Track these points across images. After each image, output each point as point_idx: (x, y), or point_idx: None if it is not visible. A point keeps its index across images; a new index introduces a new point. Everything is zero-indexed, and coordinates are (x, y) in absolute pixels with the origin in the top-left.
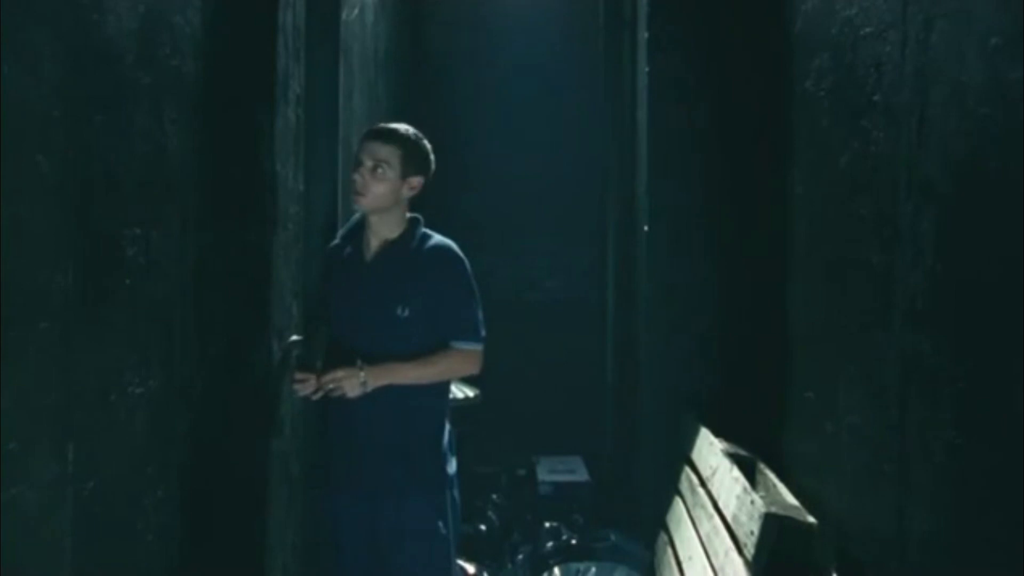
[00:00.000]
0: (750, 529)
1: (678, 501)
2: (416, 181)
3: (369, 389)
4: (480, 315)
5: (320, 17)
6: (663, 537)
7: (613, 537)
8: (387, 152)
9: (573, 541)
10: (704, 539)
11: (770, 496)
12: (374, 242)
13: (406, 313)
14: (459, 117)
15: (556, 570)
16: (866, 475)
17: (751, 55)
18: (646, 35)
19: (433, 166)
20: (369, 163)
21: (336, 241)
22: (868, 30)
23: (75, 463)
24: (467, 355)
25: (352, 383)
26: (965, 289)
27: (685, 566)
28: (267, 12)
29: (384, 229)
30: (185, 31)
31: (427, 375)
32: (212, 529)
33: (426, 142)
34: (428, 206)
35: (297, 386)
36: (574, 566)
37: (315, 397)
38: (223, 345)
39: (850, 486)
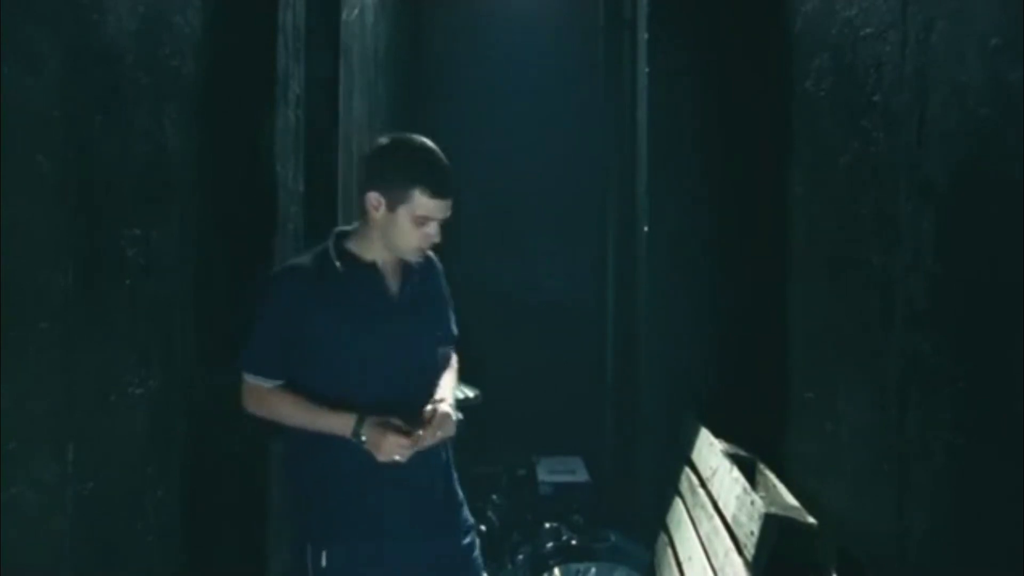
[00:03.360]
0: (750, 529)
1: (678, 501)
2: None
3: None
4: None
5: (320, 17)
6: (663, 537)
7: (613, 537)
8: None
9: (573, 541)
10: (704, 539)
11: (770, 496)
12: (389, 272)
13: (439, 334)
14: (459, 117)
15: (556, 571)
16: (866, 475)
17: (751, 55)
18: (646, 35)
19: None
20: (441, 218)
21: (305, 268)
22: (868, 30)
23: (75, 463)
24: (452, 355)
25: (451, 422)
26: (965, 289)
27: (685, 566)
28: (267, 12)
29: (396, 259)
30: (185, 31)
31: (455, 382)
32: (212, 529)
33: None
34: None
35: (404, 453)
36: (574, 566)
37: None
38: (223, 345)
39: (850, 486)
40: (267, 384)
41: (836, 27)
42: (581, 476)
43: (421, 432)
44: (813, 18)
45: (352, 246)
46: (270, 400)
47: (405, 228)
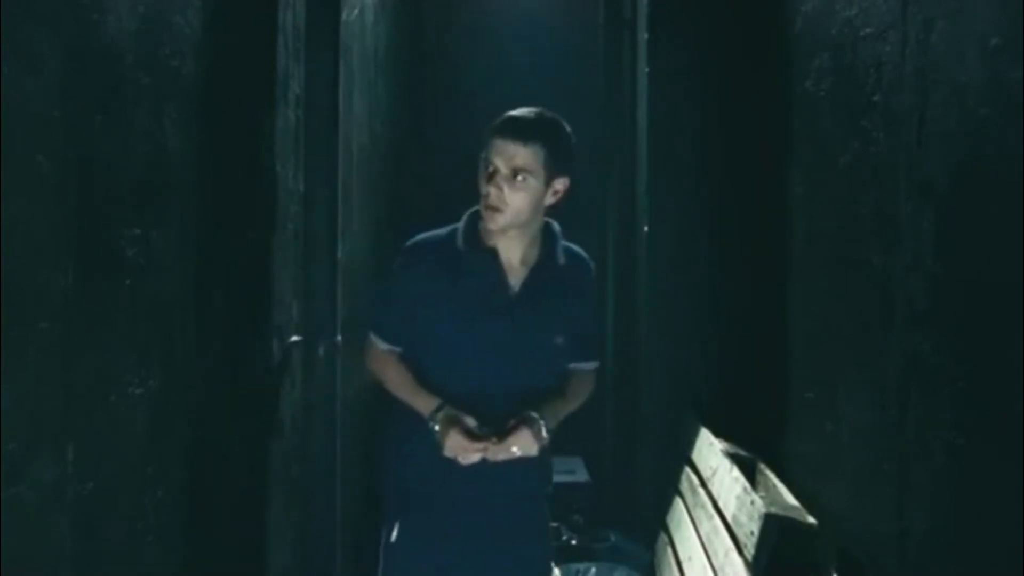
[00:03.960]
0: (750, 529)
1: (678, 501)
2: (562, 184)
3: (547, 442)
4: (599, 328)
5: (320, 17)
6: (663, 537)
7: (613, 537)
8: (529, 156)
9: (573, 541)
10: (704, 539)
11: (770, 496)
12: (514, 261)
13: (560, 341)
14: (458, 117)
15: (556, 570)
16: (866, 475)
17: (751, 55)
18: (646, 35)
19: (574, 158)
20: (505, 170)
21: (437, 243)
22: (868, 30)
23: (75, 463)
24: (590, 376)
25: (540, 439)
26: (965, 289)
27: (685, 566)
28: (267, 12)
29: (522, 247)
30: (185, 31)
31: (573, 407)
32: (212, 529)
33: (567, 125)
34: (430, 207)
35: (468, 456)
36: (574, 566)
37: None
38: (223, 345)
39: (850, 486)
40: (383, 346)
41: (836, 27)
42: (581, 476)
43: (494, 439)
44: (813, 18)
45: (482, 226)
46: (380, 362)
47: (479, 182)
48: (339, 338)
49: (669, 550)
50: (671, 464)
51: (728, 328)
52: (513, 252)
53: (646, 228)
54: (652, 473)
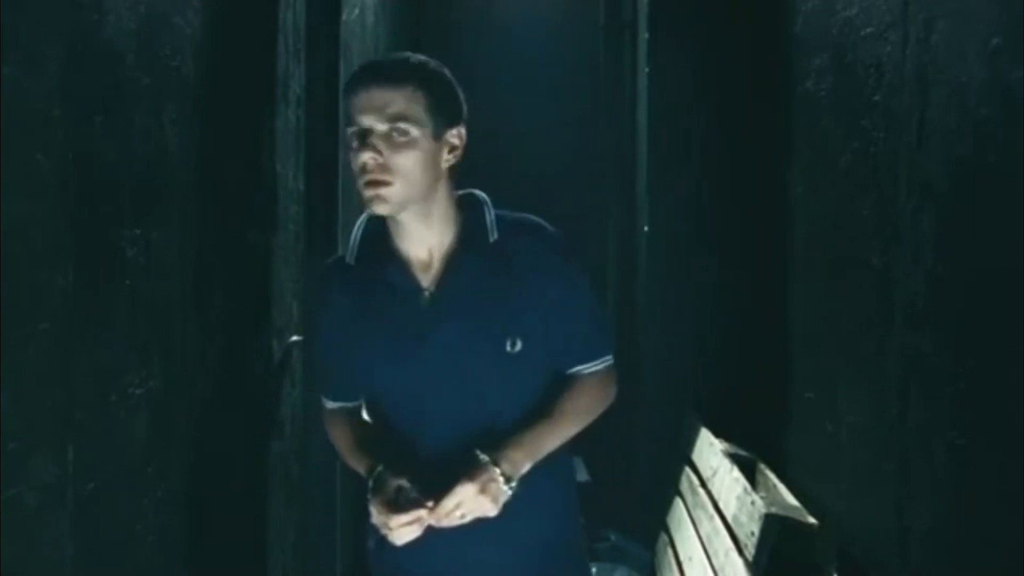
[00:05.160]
0: (750, 530)
1: (678, 502)
2: (457, 135)
3: (515, 489)
4: (600, 311)
5: (320, 17)
6: (663, 538)
7: (613, 537)
8: (407, 101)
9: None
10: (704, 539)
11: (770, 496)
12: (422, 254)
13: (518, 347)
14: None
15: None
16: (866, 475)
17: (751, 55)
18: (646, 35)
19: (465, 104)
20: (381, 126)
21: (340, 267)
22: (868, 30)
23: (75, 463)
24: (603, 379)
25: (495, 493)
26: (965, 289)
27: (685, 567)
28: (267, 12)
29: (432, 230)
30: (185, 31)
31: (570, 431)
32: (212, 529)
33: (446, 69)
34: None
35: (399, 533)
36: None
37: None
38: (223, 345)
39: (850, 486)
40: (328, 405)
41: (836, 27)
42: (581, 476)
43: (430, 506)
44: (813, 18)
45: (377, 231)
46: (327, 424)
47: (351, 160)
48: None
49: (669, 550)
50: (671, 464)
51: (728, 328)
52: (417, 243)
53: (646, 228)
54: (652, 473)
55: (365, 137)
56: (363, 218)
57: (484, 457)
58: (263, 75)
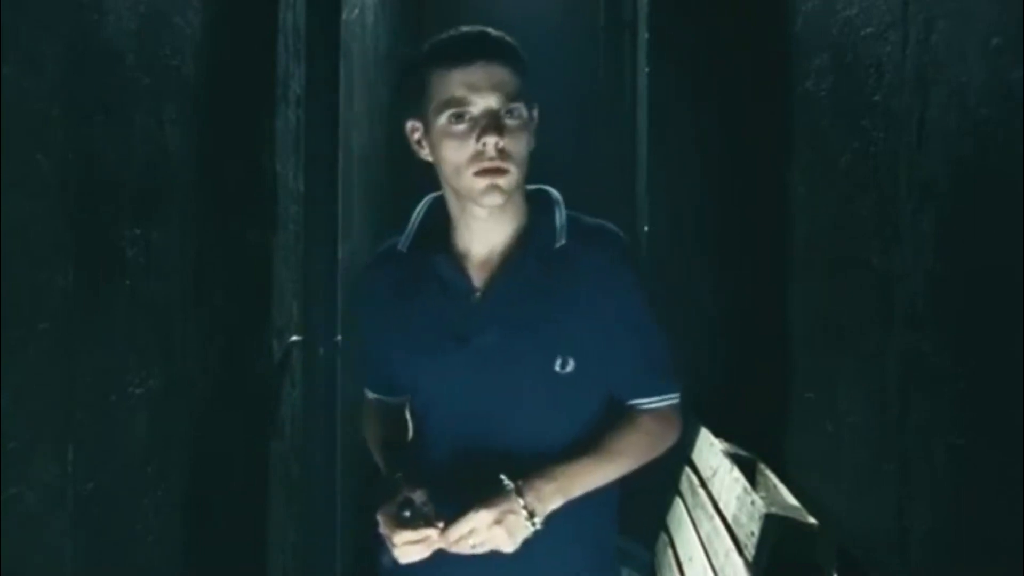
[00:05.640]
0: (751, 530)
1: (678, 502)
2: (536, 116)
3: (539, 527)
4: (664, 340)
5: (320, 17)
6: (663, 538)
7: None
8: (517, 77)
9: None
10: (704, 540)
11: (770, 496)
12: (480, 251)
13: (569, 367)
14: None
15: None
16: (866, 475)
17: (751, 55)
18: (646, 35)
19: None
20: (497, 105)
21: (393, 253)
22: (869, 30)
23: (75, 463)
24: (665, 419)
25: (514, 526)
26: (965, 289)
27: (685, 567)
28: (267, 12)
29: (500, 227)
30: (185, 31)
31: (615, 472)
32: (212, 529)
33: None
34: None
35: (404, 551)
36: None
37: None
38: (223, 345)
39: (850, 486)
40: (368, 395)
41: (836, 27)
42: None
43: (440, 526)
44: (813, 18)
45: (437, 218)
46: (364, 414)
47: (446, 148)
48: (339, 338)
49: (669, 550)
50: (671, 464)
51: (728, 328)
52: (480, 238)
53: (646, 228)
54: (652, 473)
55: (480, 119)
56: (423, 203)
57: (508, 484)
58: (263, 75)
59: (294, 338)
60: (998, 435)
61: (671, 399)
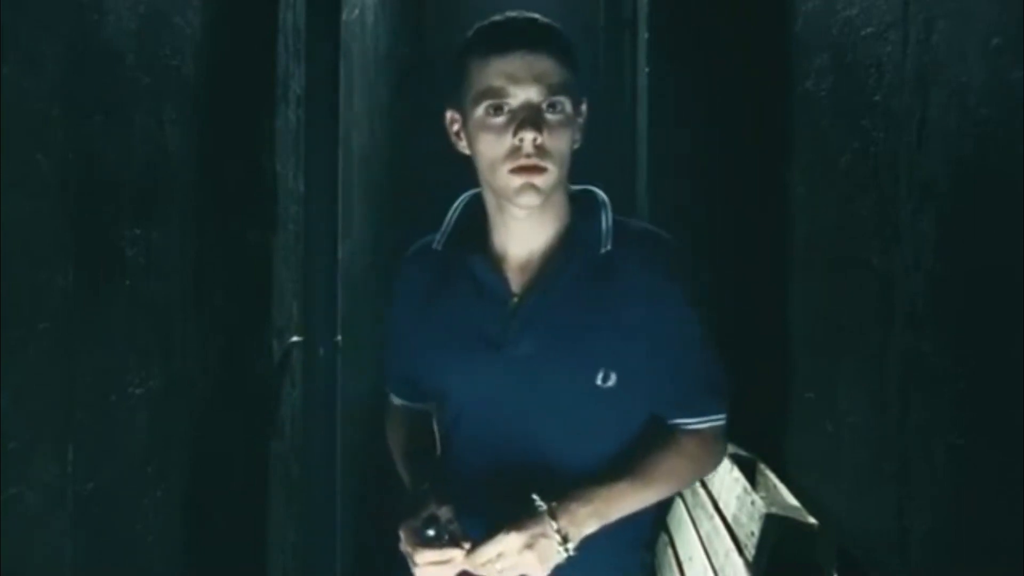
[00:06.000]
0: (750, 530)
1: (678, 501)
2: (583, 110)
3: (572, 553)
4: (715, 358)
5: (320, 17)
6: (663, 538)
7: None
8: (561, 68)
9: None
10: (704, 540)
11: (770, 496)
12: (520, 253)
13: (611, 381)
14: None
15: None
16: (866, 475)
17: (751, 55)
18: (646, 35)
19: None
20: (539, 99)
21: (428, 251)
22: (869, 30)
23: (75, 463)
24: (710, 441)
25: (545, 552)
26: (965, 289)
27: (685, 567)
28: (267, 12)
29: (542, 228)
30: (185, 31)
31: (655, 496)
32: (212, 529)
33: None
34: (430, 207)
35: (426, 572)
36: None
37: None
38: (223, 345)
39: (850, 486)
40: (394, 401)
41: (836, 27)
42: None
43: (466, 547)
44: (813, 18)
45: (475, 216)
46: (388, 421)
47: (482, 142)
48: (339, 338)
49: (669, 550)
50: None
51: (728, 328)
52: (519, 239)
53: None
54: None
55: (519, 112)
56: (461, 200)
57: (541, 505)
58: (263, 75)
59: (294, 338)
60: (998, 435)
61: (717, 421)
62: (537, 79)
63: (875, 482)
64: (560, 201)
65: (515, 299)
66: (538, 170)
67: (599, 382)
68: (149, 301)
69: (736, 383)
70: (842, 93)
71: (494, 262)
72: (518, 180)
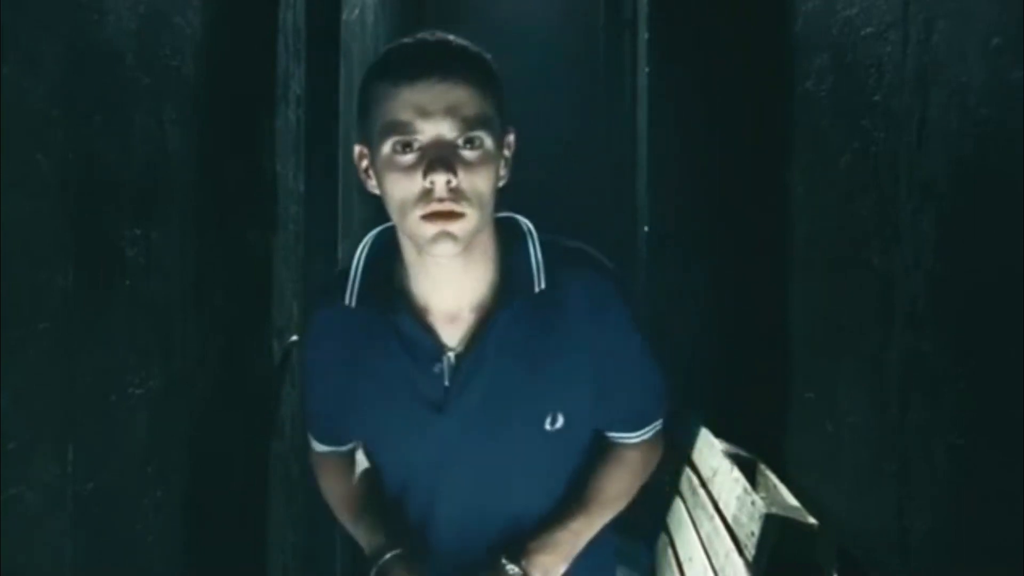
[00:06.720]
0: (751, 530)
1: (679, 502)
2: (511, 142)
3: None
4: (657, 368)
5: (320, 17)
6: (664, 538)
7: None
8: (478, 98)
9: None
10: (705, 540)
11: (771, 497)
12: (447, 303)
13: (559, 423)
14: None
15: None
16: (866, 475)
17: (751, 55)
18: (646, 35)
19: None
20: (452, 134)
21: (339, 308)
22: (869, 30)
23: (75, 463)
24: (650, 448)
25: None
26: (965, 289)
27: (686, 567)
28: (267, 12)
29: (468, 275)
30: (185, 31)
31: (609, 517)
32: (212, 529)
33: None
34: None
35: None
36: None
37: None
38: (223, 345)
39: (850, 486)
40: (317, 448)
41: (836, 27)
42: None
43: None
44: (813, 18)
45: (387, 260)
46: (318, 470)
47: (389, 183)
48: None
49: (670, 551)
50: (671, 464)
51: (728, 328)
52: (444, 288)
53: (646, 228)
54: (653, 473)
55: (430, 150)
56: (366, 242)
57: (513, 569)
58: (263, 75)
59: (294, 338)
60: (998, 435)
61: (656, 427)
62: (450, 111)
63: (875, 482)
64: (484, 240)
65: (449, 355)
66: (453, 216)
67: (547, 426)
68: (149, 301)
69: (736, 383)
70: (842, 93)
71: (418, 315)
72: (431, 228)
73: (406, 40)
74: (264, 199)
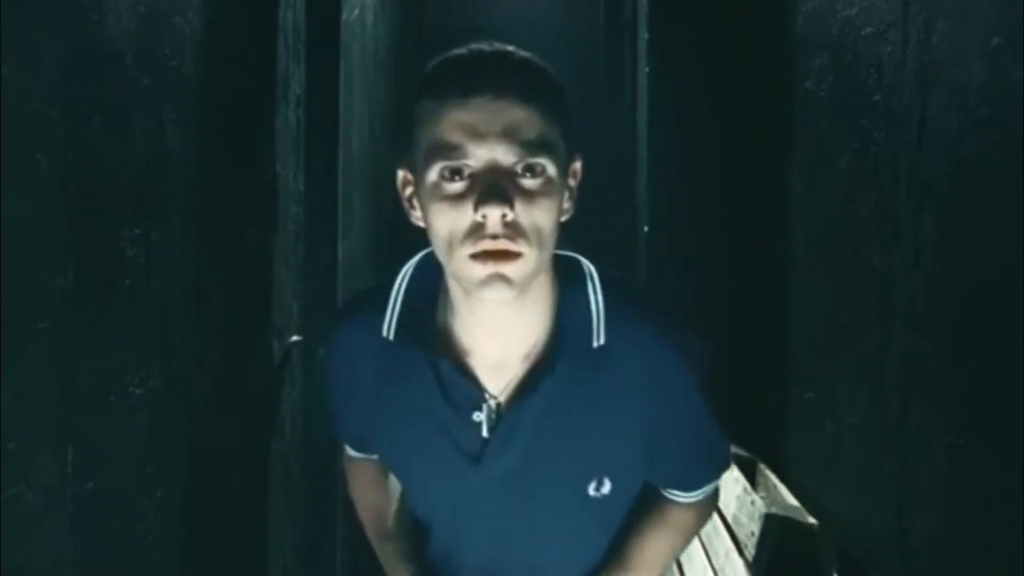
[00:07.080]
0: (750, 530)
1: None
2: (576, 169)
3: None
4: (719, 436)
5: (320, 17)
6: None
7: None
8: (541, 120)
9: None
10: (704, 540)
11: (770, 497)
12: (493, 347)
13: (605, 488)
14: None
15: None
16: (866, 475)
17: (751, 54)
18: (646, 35)
19: None
20: (509, 160)
21: (374, 338)
22: (869, 30)
23: (75, 463)
24: (702, 509)
25: None
26: (965, 289)
27: (685, 567)
28: (267, 12)
29: (520, 321)
30: (185, 31)
31: (657, 569)
32: (212, 530)
33: None
34: None
35: None
36: None
37: None
38: (223, 345)
39: (850, 486)
40: (351, 452)
41: (836, 27)
42: None
43: None
44: (813, 18)
45: (429, 293)
46: (351, 475)
47: (435, 215)
48: None
49: None
50: None
51: (728, 328)
52: (491, 334)
53: (646, 228)
54: None
55: (480, 178)
56: (408, 269)
57: None
58: (263, 75)
59: (294, 338)
60: (998, 435)
61: (712, 487)
62: (507, 134)
63: (875, 482)
64: (542, 283)
65: (491, 403)
66: (508, 256)
67: (591, 492)
68: (149, 301)
69: (736, 383)
70: (842, 93)
71: (461, 359)
72: (482, 270)
73: (458, 51)
74: (264, 199)
